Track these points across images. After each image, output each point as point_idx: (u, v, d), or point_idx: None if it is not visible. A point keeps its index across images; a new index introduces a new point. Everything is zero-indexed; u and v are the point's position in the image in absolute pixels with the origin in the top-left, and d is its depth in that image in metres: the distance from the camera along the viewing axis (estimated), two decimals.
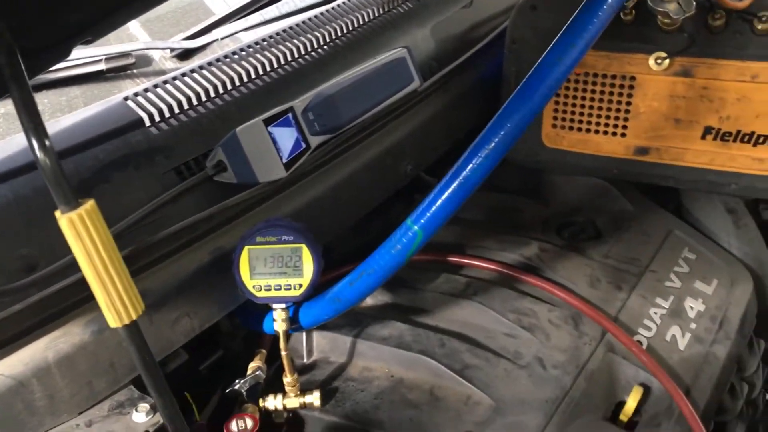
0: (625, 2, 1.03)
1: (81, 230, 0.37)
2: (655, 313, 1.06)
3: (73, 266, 0.77)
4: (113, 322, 0.41)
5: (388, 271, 0.80)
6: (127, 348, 0.44)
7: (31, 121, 0.37)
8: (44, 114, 0.97)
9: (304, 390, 0.94)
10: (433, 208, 0.75)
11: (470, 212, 1.30)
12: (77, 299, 0.81)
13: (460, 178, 0.74)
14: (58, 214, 0.39)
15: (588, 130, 1.20)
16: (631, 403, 0.93)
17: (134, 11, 0.67)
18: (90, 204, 0.38)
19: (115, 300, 0.39)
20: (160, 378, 0.45)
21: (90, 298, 0.81)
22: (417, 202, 1.37)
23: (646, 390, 0.96)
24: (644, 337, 1.02)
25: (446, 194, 0.74)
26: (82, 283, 0.78)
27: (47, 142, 0.38)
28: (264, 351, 1.01)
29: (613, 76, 1.14)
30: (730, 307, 1.10)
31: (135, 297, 0.41)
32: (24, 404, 0.76)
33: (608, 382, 0.97)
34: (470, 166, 0.73)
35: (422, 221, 0.76)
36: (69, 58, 1.03)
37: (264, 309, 0.96)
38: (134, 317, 0.41)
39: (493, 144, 0.72)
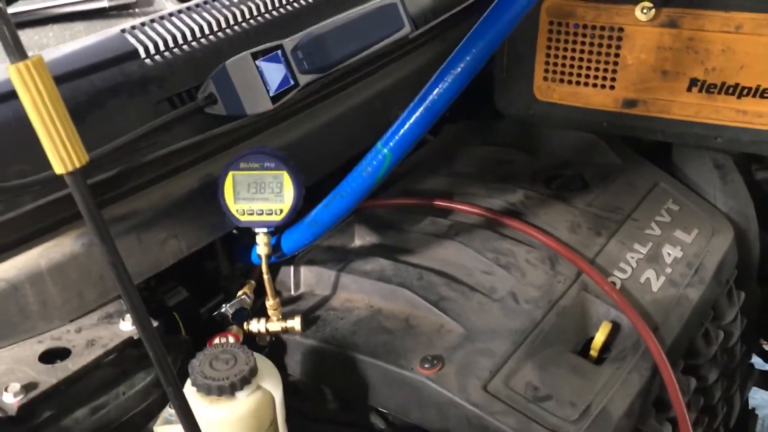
0: None
1: (28, 80, 0.42)
2: (632, 258, 1.09)
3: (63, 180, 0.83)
4: (58, 168, 0.46)
5: (361, 192, 0.84)
6: (73, 194, 0.49)
7: None
8: (47, 47, 1.02)
9: (286, 316, 0.99)
10: (401, 131, 0.79)
11: (463, 165, 1.34)
12: (70, 214, 0.86)
13: (427, 102, 0.77)
14: (7, 65, 0.44)
15: (578, 83, 1.23)
16: (600, 337, 0.97)
17: None
18: (37, 57, 0.43)
19: (59, 148, 0.44)
20: (104, 225, 0.50)
21: (80, 214, 0.87)
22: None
23: (616, 327, 0.99)
24: (618, 278, 1.05)
25: (413, 118, 0.78)
26: (71, 198, 0.84)
27: (1, 5, 0.42)
28: (252, 282, 1.06)
29: (602, 28, 1.16)
30: (708, 254, 1.13)
31: (79, 147, 0.45)
32: (18, 307, 0.81)
33: (579, 319, 1.01)
34: (436, 90, 0.77)
35: (391, 144, 0.80)
36: None
37: (254, 241, 1.01)
38: (77, 165, 0.45)
39: (459, 69, 0.75)
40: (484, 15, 0.77)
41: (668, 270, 1.09)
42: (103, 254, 0.52)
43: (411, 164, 1.33)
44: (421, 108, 0.77)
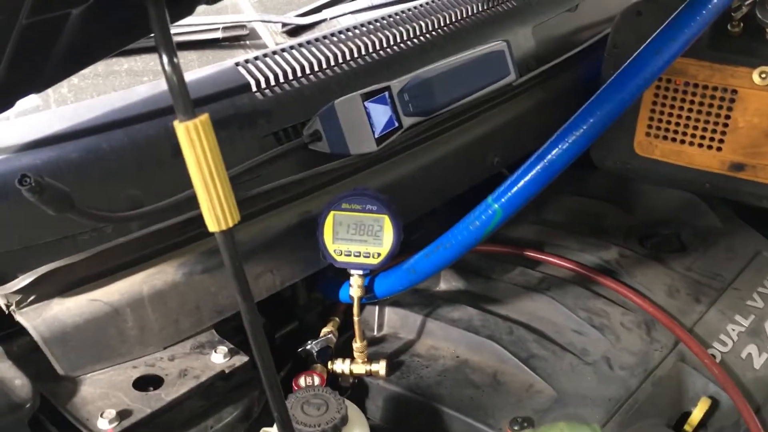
0: (731, 7, 1.03)
1: (194, 138, 0.42)
2: (733, 330, 1.04)
3: (173, 210, 0.84)
4: (212, 226, 0.46)
5: (465, 246, 0.83)
6: (221, 253, 0.49)
7: (164, 40, 0.42)
8: (160, 74, 1.05)
9: (371, 359, 0.98)
10: (515, 188, 0.77)
11: (553, 214, 1.31)
12: (174, 242, 0.87)
13: (545, 161, 0.75)
14: (176, 122, 0.44)
15: (683, 141, 1.19)
16: (697, 413, 0.92)
17: None
18: (204, 116, 0.43)
19: (216, 206, 0.44)
20: (246, 283, 0.50)
21: (185, 242, 0.89)
22: None
23: (714, 403, 0.94)
24: (718, 351, 1.01)
25: (529, 176, 0.76)
26: (178, 227, 0.86)
27: (175, 59, 0.43)
28: (337, 319, 1.05)
29: (714, 88, 1.13)
30: None
31: (233, 207, 0.45)
32: (117, 331, 0.82)
33: (676, 391, 0.96)
34: (556, 150, 0.75)
35: (503, 200, 0.78)
36: (190, 23, 1.11)
37: (343, 279, 1.01)
38: (231, 224, 0.45)
39: (582, 130, 0.74)
40: (613, 77, 0.75)
41: None
42: (243, 311, 0.52)
43: None
44: (539, 166, 0.76)
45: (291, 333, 1.11)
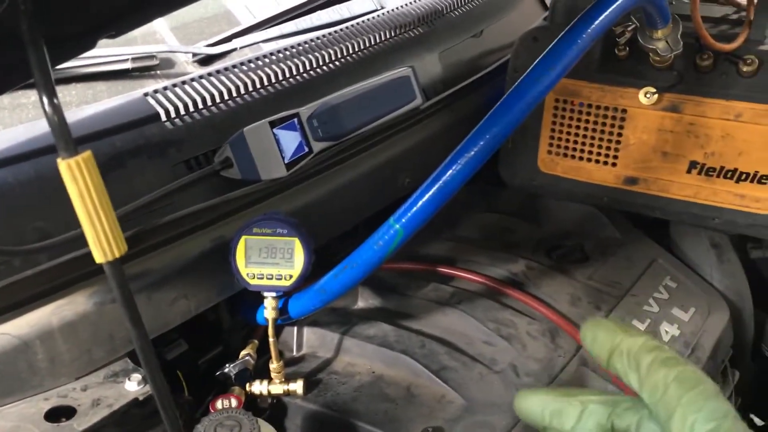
0: (616, 36, 1.10)
1: (77, 174, 0.44)
2: None
3: (80, 240, 0.84)
4: (99, 257, 0.48)
5: (370, 265, 0.86)
6: (109, 283, 0.51)
7: (43, 80, 0.44)
8: (71, 105, 1.05)
9: (289, 379, 1.00)
10: (414, 208, 0.82)
11: (466, 231, 1.36)
12: (83, 272, 0.87)
13: (440, 182, 0.80)
14: (59, 160, 0.46)
15: (581, 158, 1.26)
16: None
17: (158, 10, 0.75)
18: (87, 153, 0.45)
19: (101, 238, 0.46)
20: (136, 311, 0.52)
21: (94, 273, 0.89)
22: None
23: None
24: None
25: (426, 196, 0.81)
26: (87, 257, 0.86)
27: (55, 100, 0.45)
28: (256, 342, 1.07)
29: (606, 108, 1.20)
30: (704, 334, 1.15)
31: (119, 238, 0.47)
32: (27, 364, 0.82)
33: None
34: (450, 171, 0.80)
35: (403, 220, 0.83)
36: (98, 55, 1.12)
37: (259, 302, 1.03)
38: (117, 255, 0.48)
39: (473, 153, 0.79)
40: (499, 103, 0.80)
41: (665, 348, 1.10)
42: (133, 338, 0.53)
43: None
44: (435, 188, 0.80)
45: (216, 358, 1.12)
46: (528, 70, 0.80)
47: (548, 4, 1.68)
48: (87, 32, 0.68)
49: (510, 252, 1.27)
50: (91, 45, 0.73)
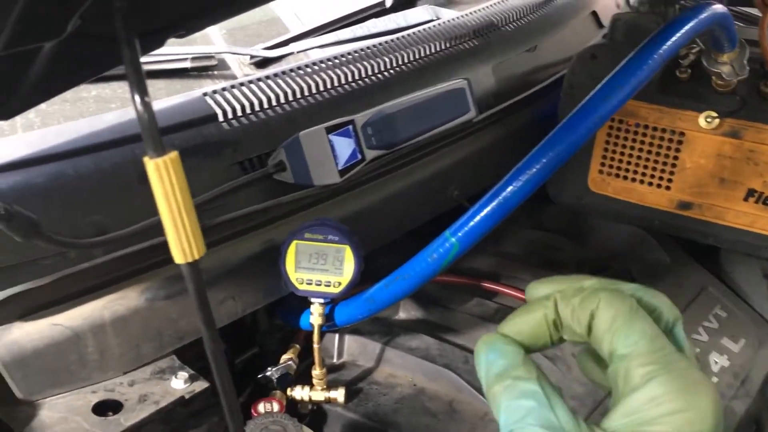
0: (678, 54, 1.08)
1: (164, 174, 0.44)
2: None
3: (136, 236, 0.85)
4: (179, 258, 0.48)
5: (422, 277, 0.85)
6: (187, 284, 0.51)
7: (135, 78, 0.44)
8: (131, 101, 1.06)
9: (330, 386, 0.99)
10: (471, 223, 0.81)
11: (510, 246, 1.35)
12: (136, 268, 0.88)
13: (500, 198, 0.79)
14: (146, 159, 0.46)
15: (633, 180, 1.24)
16: None
17: (228, 12, 0.75)
18: (174, 154, 0.45)
19: (183, 239, 0.46)
20: (210, 314, 0.51)
21: (147, 268, 0.90)
22: None
23: None
24: None
25: (485, 212, 0.80)
26: (142, 253, 0.87)
27: (147, 98, 0.45)
28: (298, 346, 1.07)
29: (663, 130, 1.18)
30: (755, 367, 1.12)
31: (200, 240, 0.47)
32: (77, 355, 0.83)
33: None
34: (510, 188, 0.78)
35: (459, 234, 0.82)
36: (158, 53, 1.13)
37: (304, 307, 1.02)
38: (197, 257, 0.48)
39: (534, 170, 0.77)
40: (564, 120, 0.79)
41: (714, 379, 1.08)
42: (205, 339, 0.53)
43: None
44: (494, 203, 0.79)
45: (251, 358, 1.12)
46: (596, 89, 0.79)
47: (603, 22, 1.67)
48: (159, 30, 0.69)
49: (554, 271, 1.25)
50: (159, 44, 0.73)
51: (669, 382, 0.46)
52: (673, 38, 0.78)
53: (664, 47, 0.78)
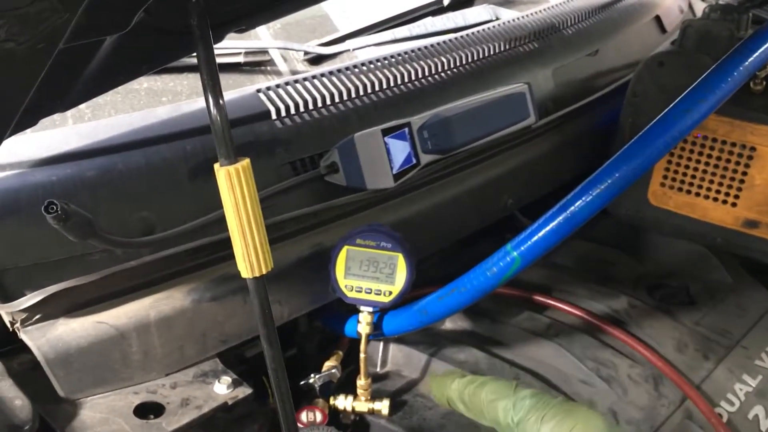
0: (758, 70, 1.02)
1: (235, 183, 0.41)
2: (741, 389, 1.03)
3: (185, 236, 0.83)
4: (246, 272, 0.45)
5: (480, 291, 0.82)
6: (251, 299, 0.48)
7: (211, 81, 0.41)
8: (182, 94, 1.04)
9: (374, 397, 0.96)
10: (535, 237, 0.76)
11: (563, 258, 1.30)
12: (183, 268, 0.86)
13: (567, 212, 0.75)
14: (217, 166, 0.43)
15: (697, 194, 1.18)
16: None
17: (287, 9, 0.72)
18: (246, 162, 0.42)
19: (251, 252, 0.43)
20: (274, 331, 0.48)
21: (194, 268, 0.87)
22: (507, 241, 1.39)
23: None
24: (725, 411, 0.99)
25: (550, 226, 0.75)
26: (189, 253, 0.85)
27: (221, 101, 0.42)
28: (341, 353, 1.04)
29: (733, 144, 1.12)
30: None
31: (268, 254, 0.44)
32: (121, 355, 0.81)
33: None
34: (579, 202, 0.74)
35: (522, 248, 0.77)
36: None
37: (347, 312, 0.99)
38: (264, 271, 0.45)
39: (606, 184, 0.73)
40: (641, 134, 0.74)
41: None
42: (268, 358, 0.50)
43: None
44: (561, 217, 0.75)
45: (288, 359, 1.10)
46: (676, 101, 0.74)
47: (666, 27, 1.61)
48: (222, 25, 0.66)
49: (609, 286, 1.20)
50: (220, 38, 0.71)
51: None
52: (761, 50, 0.73)
53: (751, 59, 0.73)
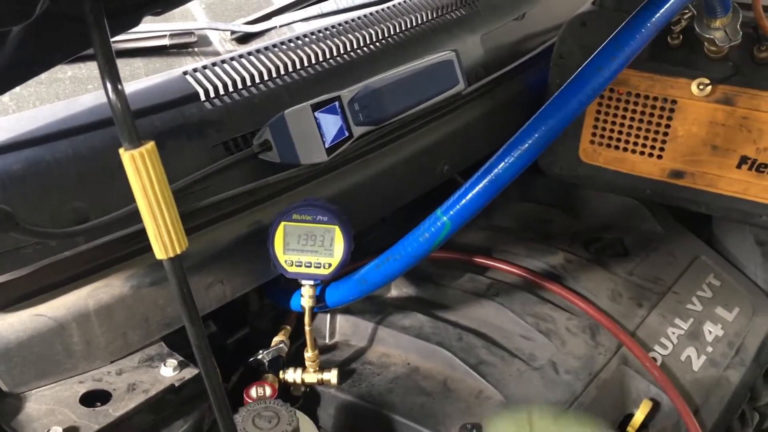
0: (670, 24, 1.06)
1: (140, 166, 0.42)
2: (673, 333, 1.08)
3: (119, 222, 0.83)
4: (160, 253, 0.46)
5: (414, 257, 0.84)
6: (169, 279, 0.49)
7: (107, 66, 0.41)
8: None
9: (323, 367, 0.98)
10: (463, 201, 0.79)
11: (502, 219, 1.33)
12: (120, 254, 0.86)
13: (491, 175, 0.77)
14: (121, 150, 0.44)
15: (625, 149, 1.22)
16: (639, 415, 0.95)
17: None
18: (150, 144, 0.43)
19: (163, 233, 0.44)
20: (195, 310, 0.49)
21: (132, 254, 0.87)
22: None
23: (656, 405, 0.98)
24: (659, 354, 1.04)
25: (476, 189, 0.78)
26: (125, 239, 0.84)
27: (119, 86, 0.42)
28: (289, 327, 1.05)
29: (655, 98, 1.16)
30: (749, 335, 1.11)
31: (181, 233, 0.45)
32: (62, 346, 0.81)
33: (619, 394, 0.99)
34: (502, 164, 0.76)
35: (451, 213, 0.80)
36: (136, 30, 1.09)
37: (294, 287, 1.01)
38: (178, 251, 0.45)
39: (527, 145, 0.75)
40: (557, 93, 0.77)
41: (709, 349, 1.07)
42: (191, 337, 0.51)
43: None
44: (485, 180, 0.77)
45: (242, 339, 1.11)
46: (588, 60, 0.77)
47: None
48: (134, 8, 0.66)
49: (547, 243, 1.24)
50: (136, 22, 0.70)
51: None
52: (667, 5, 0.75)
53: (658, 15, 0.76)
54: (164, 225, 0.44)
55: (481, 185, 0.77)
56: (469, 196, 0.78)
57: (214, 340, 1.02)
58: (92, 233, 0.80)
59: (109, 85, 0.42)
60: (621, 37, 0.75)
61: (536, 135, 0.75)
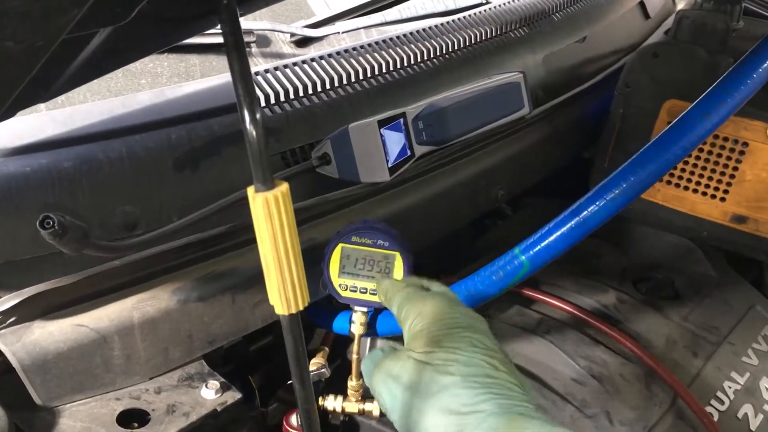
0: None
1: (273, 211, 0.37)
2: (729, 387, 1.03)
3: (171, 235, 0.77)
4: (280, 309, 0.41)
5: (485, 296, 0.79)
6: (284, 336, 0.44)
7: (246, 94, 0.36)
8: (161, 76, 0.98)
9: (364, 397, 0.93)
10: (546, 242, 0.73)
11: None
12: (169, 266, 0.81)
13: (579, 217, 0.72)
14: (251, 191, 0.38)
15: (686, 188, 1.17)
16: None
17: None
18: (285, 186, 0.37)
19: (288, 287, 0.39)
20: (307, 370, 0.44)
21: (179, 266, 0.82)
22: (488, 227, 1.37)
23: None
24: (716, 410, 0.99)
25: (561, 231, 0.73)
26: (175, 250, 0.79)
27: (258, 115, 0.37)
28: (326, 349, 1.00)
29: (725, 139, 1.11)
30: None
31: (305, 288, 0.40)
32: (102, 359, 0.76)
33: None
34: (593, 206, 0.71)
35: (531, 252, 0.75)
36: None
37: (336, 307, 0.95)
38: (301, 308, 0.40)
39: (620, 189, 0.70)
40: (658, 137, 0.72)
41: (766, 407, 1.02)
42: (299, 400, 0.46)
43: (489, 240, 1.28)
44: (572, 222, 0.72)
45: (265, 347, 1.05)
46: (693, 104, 0.71)
47: (649, 12, 1.59)
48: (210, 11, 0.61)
49: (595, 279, 1.19)
50: (213, 23, 0.66)
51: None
52: None
53: None
54: (290, 278, 0.39)
55: (567, 227, 0.72)
56: (553, 237, 0.73)
57: (239, 350, 0.98)
58: (149, 244, 0.75)
59: (246, 115, 0.36)
60: (732, 82, 0.70)
61: (632, 179, 0.70)
